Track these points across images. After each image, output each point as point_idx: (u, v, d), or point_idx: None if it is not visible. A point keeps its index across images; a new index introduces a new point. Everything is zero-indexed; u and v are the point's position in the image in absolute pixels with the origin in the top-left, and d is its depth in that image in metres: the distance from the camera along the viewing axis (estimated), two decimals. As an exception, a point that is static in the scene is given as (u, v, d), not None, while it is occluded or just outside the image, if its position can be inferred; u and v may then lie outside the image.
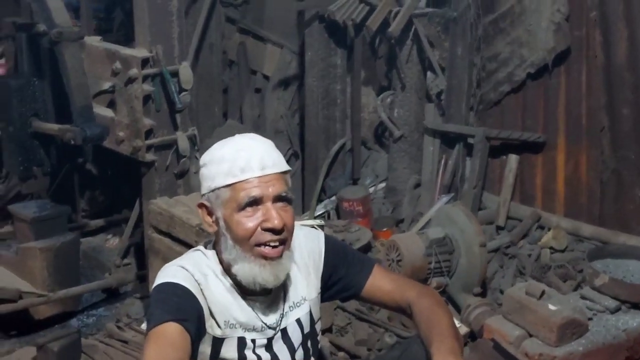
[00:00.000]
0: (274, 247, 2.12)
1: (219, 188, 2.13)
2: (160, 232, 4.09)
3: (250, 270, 2.12)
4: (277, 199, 2.12)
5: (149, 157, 4.37)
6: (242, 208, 2.10)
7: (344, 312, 3.96)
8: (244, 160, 2.11)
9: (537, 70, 4.34)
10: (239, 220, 2.10)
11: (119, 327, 4.26)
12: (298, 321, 2.29)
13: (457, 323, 3.02)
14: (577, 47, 4.20)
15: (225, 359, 2.18)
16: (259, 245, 2.11)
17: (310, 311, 2.33)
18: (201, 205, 2.20)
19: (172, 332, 2.01)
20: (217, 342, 2.16)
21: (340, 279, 2.39)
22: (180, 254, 3.84)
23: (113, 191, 5.68)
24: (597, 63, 4.13)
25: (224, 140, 2.20)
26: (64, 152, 4.56)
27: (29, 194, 4.92)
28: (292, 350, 2.28)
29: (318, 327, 2.37)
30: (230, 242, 2.13)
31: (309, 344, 2.33)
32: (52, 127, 4.31)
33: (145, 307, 4.53)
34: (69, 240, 4.65)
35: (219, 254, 2.20)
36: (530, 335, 3.12)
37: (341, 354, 3.77)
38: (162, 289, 2.12)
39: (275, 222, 2.09)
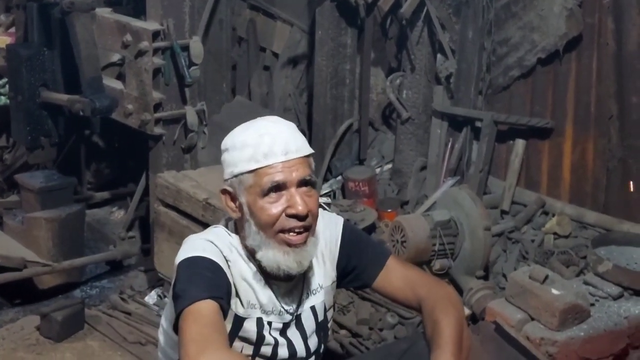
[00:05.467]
0: (298, 233, 2.11)
1: (242, 174, 2.11)
2: (167, 205, 4.11)
3: (274, 256, 2.10)
4: (301, 183, 2.11)
5: (157, 130, 4.38)
6: (265, 194, 2.08)
7: (347, 290, 3.98)
8: (267, 145, 2.08)
9: (548, 56, 4.32)
10: (262, 206, 2.09)
11: (122, 299, 4.28)
12: (312, 309, 2.30)
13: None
14: (588, 34, 4.17)
15: (245, 337, 2.18)
16: (283, 231, 2.09)
17: (324, 299, 2.33)
18: (224, 192, 2.17)
19: (210, 311, 1.97)
20: (239, 321, 2.16)
21: (353, 268, 2.39)
22: (186, 227, 3.93)
23: (119, 164, 5.68)
24: (608, 51, 4.11)
25: (246, 124, 2.17)
26: (71, 123, 4.56)
27: (35, 164, 4.92)
28: (305, 338, 2.28)
29: (330, 314, 2.37)
30: (254, 228, 2.12)
31: (321, 333, 2.33)
32: (61, 97, 4.30)
33: (149, 280, 4.54)
34: (74, 212, 4.67)
35: (242, 240, 2.18)
36: (532, 319, 3.13)
37: (343, 331, 3.80)
38: (193, 263, 2.08)
39: (300, 208, 2.08)
